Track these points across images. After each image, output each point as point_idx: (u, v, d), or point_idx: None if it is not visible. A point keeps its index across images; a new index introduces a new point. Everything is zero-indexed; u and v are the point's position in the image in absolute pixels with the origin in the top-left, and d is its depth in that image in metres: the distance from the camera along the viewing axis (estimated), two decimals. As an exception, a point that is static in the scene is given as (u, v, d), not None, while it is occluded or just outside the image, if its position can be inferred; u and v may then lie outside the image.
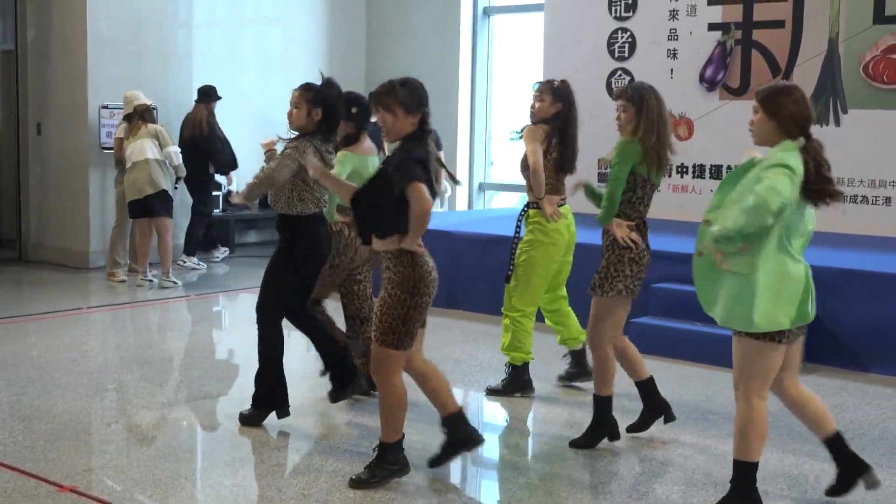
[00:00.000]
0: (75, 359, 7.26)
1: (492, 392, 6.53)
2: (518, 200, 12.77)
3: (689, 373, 7.15)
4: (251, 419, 5.75)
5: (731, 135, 10.17)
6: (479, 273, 8.95)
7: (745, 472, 4.40)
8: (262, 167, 5.63)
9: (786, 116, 4.30)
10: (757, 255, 4.19)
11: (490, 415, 6.41)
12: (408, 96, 4.63)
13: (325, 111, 5.64)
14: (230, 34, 13.31)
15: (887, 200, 9.40)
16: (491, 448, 5.65)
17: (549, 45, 11.54)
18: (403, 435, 4.84)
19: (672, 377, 7.01)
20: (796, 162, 4.22)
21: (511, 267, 6.42)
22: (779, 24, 9.94)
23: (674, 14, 10.53)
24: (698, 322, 7.65)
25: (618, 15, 10.94)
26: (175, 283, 10.13)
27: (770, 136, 4.35)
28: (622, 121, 5.38)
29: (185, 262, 11.37)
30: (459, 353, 7.62)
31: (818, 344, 7.04)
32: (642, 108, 5.30)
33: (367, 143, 6.14)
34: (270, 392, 5.74)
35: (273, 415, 5.75)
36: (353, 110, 6.05)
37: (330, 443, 5.54)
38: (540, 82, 6.47)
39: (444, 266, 9.17)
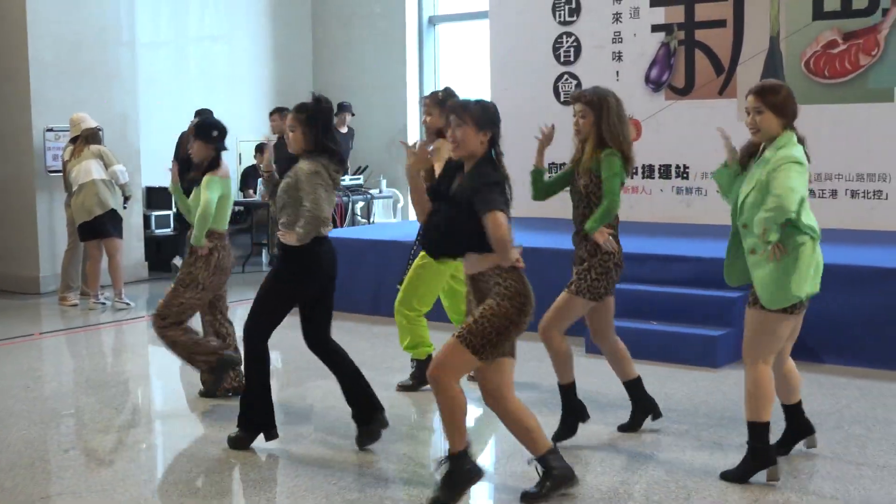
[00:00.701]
0: (28, 385, 7.16)
1: (403, 388, 6.78)
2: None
3: (646, 371, 7.15)
4: (238, 442, 5.60)
5: (678, 134, 10.28)
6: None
7: (758, 432, 4.87)
8: (305, 207, 5.39)
9: (789, 112, 4.81)
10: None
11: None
12: (481, 112, 4.54)
13: (322, 129, 5.48)
14: (174, 53, 13.24)
15: (833, 193, 9.53)
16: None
17: (495, 51, 11.60)
18: (469, 442, 4.63)
19: (630, 377, 7.05)
20: (801, 153, 4.76)
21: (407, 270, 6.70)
22: (720, 23, 10.06)
23: (617, 17, 10.63)
24: (653, 321, 7.72)
25: (562, 20, 11.01)
26: (128, 304, 10.03)
27: (774, 131, 4.81)
28: (581, 126, 5.38)
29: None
30: (418, 362, 7.62)
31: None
32: (602, 113, 5.33)
33: (226, 165, 6.42)
34: (257, 414, 5.59)
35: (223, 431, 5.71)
36: (214, 133, 6.27)
37: (291, 460, 5.51)
38: (426, 96, 6.64)
39: (401, 276, 9.20)
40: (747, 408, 4.89)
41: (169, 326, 6.31)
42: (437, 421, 6.34)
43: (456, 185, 4.57)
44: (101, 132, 10.39)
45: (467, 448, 4.61)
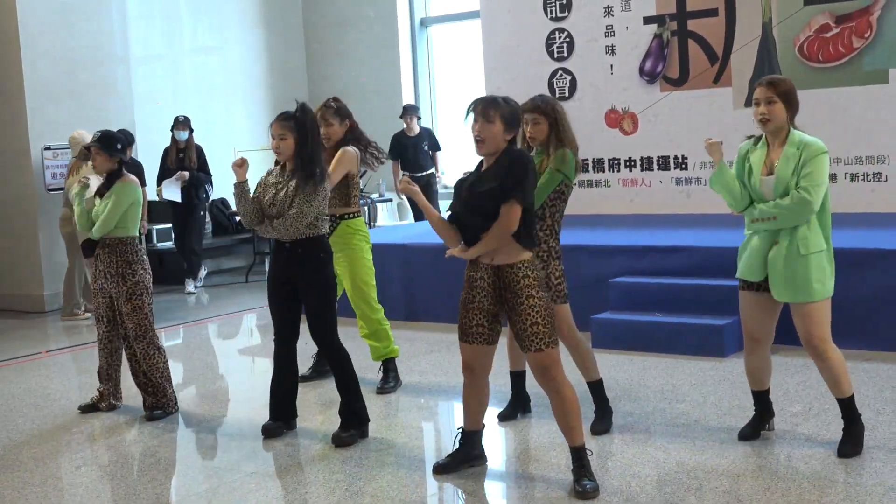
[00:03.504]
0: (38, 404, 7.17)
1: (384, 391, 6.83)
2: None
3: (652, 363, 7.19)
4: (349, 439, 5.72)
5: (675, 125, 10.27)
6: (437, 283, 8.97)
7: (851, 406, 5.12)
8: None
9: (796, 102, 5.01)
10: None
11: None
12: (509, 112, 4.66)
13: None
14: (169, 66, 13.26)
15: (832, 177, 9.51)
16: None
17: (488, 51, 11.58)
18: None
19: (636, 369, 7.06)
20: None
21: None
22: (712, 12, 10.05)
23: (608, 10, 10.61)
24: (657, 313, 7.72)
25: (553, 16, 11.01)
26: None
27: (784, 122, 4.98)
28: (536, 132, 5.46)
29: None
30: (424, 364, 7.63)
31: (779, 324, 7.11)
32: (557, 120, 5.45)
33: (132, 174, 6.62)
34: (363, 408, 5.81)
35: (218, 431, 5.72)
36: (118, 146, 6.47)
37: (293, 471, 5.52)
38: (322, 108, 6.65)
39: (402, 279, 9.23)
40: (834, 388, 5.15)
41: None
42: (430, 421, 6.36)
43: (490, 179, 4.65)
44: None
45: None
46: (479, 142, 4.68)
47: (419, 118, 12.96)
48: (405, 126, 12.71)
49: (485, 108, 4.64)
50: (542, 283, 4.75)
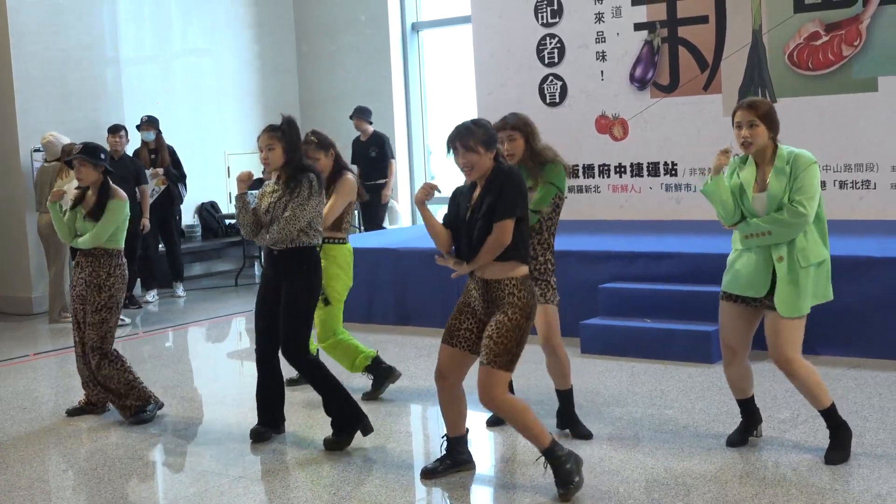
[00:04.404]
0: (25, 407, 7.15)
1: (368, 397, 6.72)
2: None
3: (641, 369, 7.20)
4: (339, 444, 5.71)
5: (665, 131, 10.30)
6: (428, 288, 8.97)
7: (833, 415, 5.14)
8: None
9: (777, 123, 5.09)
10: None
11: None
12: (484, 134, 4.82)
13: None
14: (160, 68, 13.23)
15: (822, 185, 9.53)
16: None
17: (479, 56, 11.61)
18: (551, 435, 4.86)
19: (625, 375, 7.07)
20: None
21: (324, 295, 6.56)
22: (702, 19, 10.10)
23: (599, 17, 10.65)
24: (647, 319, 7.73)
25: (544, 22, 11.03)
26: (124, 321, 10.01)
27: (767, 143, 5.07)
28: (513, 149, 5.51)
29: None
30: (414, 368, 7.62)
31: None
32: (531, 134, 5.54)
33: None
34: (350, 411, 5.76)
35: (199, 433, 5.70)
36: (102, 156, 6.48)
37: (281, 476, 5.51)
38: (304, 141, 6.31)
39: (392, 283, 9.22)
40: (812, 401, 5.19)
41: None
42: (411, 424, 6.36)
43: (485, 201, 4.77)
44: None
45: (554, 440, 4.83)
46: (468, 170, 4.84)
47: (370, 122, 12.22)
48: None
49: (462, 139, 4.81)
50: (526, 306, 4.75)
